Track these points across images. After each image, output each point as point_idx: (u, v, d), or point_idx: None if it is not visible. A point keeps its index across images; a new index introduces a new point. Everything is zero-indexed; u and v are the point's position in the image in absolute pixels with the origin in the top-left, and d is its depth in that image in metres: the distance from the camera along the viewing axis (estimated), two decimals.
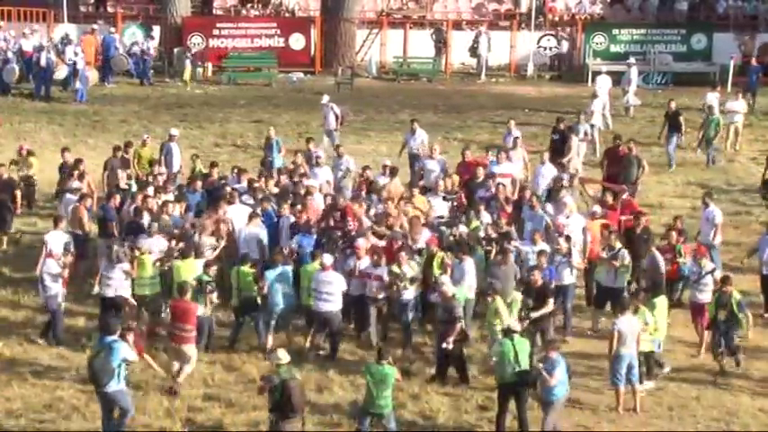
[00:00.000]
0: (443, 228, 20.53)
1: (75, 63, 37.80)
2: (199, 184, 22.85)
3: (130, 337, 15.38)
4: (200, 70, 42.22)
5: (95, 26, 42.21)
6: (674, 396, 17.16)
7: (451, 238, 19.80)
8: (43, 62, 37.30)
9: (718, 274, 18.72)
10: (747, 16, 46.41)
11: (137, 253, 18.80)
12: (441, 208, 21.95)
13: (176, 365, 16.86)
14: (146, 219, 20.58)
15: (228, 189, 22.01)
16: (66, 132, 33.49)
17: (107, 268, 18.51)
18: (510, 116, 32.11)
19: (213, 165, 24.45)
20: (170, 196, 21.90)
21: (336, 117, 30.50)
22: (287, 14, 46.32)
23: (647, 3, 47.23)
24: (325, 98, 30.91)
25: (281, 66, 42.76)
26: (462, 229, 19.97)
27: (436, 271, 18.55)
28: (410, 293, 18.47)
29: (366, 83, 42.49)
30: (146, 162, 25.75)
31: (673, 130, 30.07)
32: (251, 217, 20.35)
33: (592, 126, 30.93)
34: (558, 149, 27.12)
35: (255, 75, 42.87)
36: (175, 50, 42.41)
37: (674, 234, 19.91)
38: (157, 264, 18.92)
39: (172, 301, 17.41)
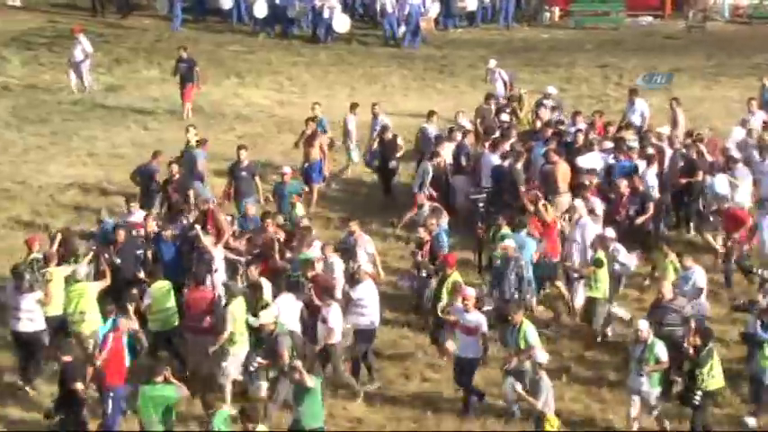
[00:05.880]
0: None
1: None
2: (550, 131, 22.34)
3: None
4: (547, 14, 42.12)
5: None
6: None
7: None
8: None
9: None
10: None
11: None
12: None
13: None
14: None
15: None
16: (415, 77, 34.30)
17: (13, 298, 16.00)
18: None
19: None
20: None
21: (504, 84, 27.91)
22: None
23: None
24: (492, 62, 28.53)
25: (629, 9, 41.87)
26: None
27: (446, 296, 16.59)
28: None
29: (718, 26, 40.95)
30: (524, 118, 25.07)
31: None
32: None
33: None
34: None
35: (603, 19, 42.21)
36: None
37: None
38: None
39: (188, 292, 16.04)
